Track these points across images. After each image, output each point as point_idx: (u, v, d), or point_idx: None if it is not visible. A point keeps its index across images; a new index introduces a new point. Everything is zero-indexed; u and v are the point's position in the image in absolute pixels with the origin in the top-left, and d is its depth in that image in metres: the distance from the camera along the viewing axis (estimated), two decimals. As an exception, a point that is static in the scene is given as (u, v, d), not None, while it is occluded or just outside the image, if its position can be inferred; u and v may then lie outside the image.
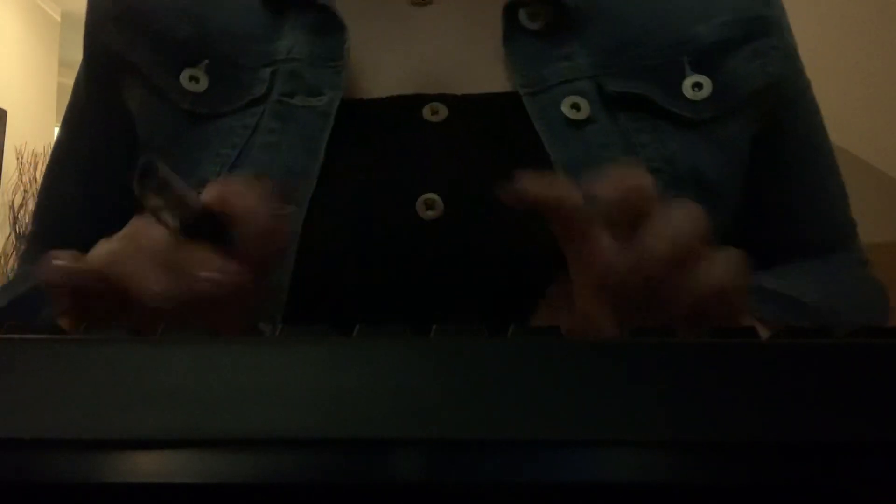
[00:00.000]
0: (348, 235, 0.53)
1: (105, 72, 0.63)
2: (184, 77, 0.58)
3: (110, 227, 0.55)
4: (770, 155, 0.62)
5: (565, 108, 0.55)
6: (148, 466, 0.20)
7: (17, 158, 5.25)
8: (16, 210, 5.16)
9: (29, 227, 0.71)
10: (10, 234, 5.18)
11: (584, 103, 0.56)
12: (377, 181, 0.54)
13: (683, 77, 0.58)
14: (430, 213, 0.53)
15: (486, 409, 0.21)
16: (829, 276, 0.63)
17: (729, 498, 0.22)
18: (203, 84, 0.58)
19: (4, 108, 5.16)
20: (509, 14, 0.58)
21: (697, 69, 0.58)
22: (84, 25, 0.66)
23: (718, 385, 0.22)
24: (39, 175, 5.44)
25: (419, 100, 0.57)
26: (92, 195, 0.65)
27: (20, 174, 5.23)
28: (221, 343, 0.21)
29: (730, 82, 0.59)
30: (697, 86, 0.58)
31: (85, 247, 0.40)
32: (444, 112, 0.56)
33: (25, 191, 5.21)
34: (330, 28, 0.58)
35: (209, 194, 0.40)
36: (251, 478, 0.20)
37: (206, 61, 0.59)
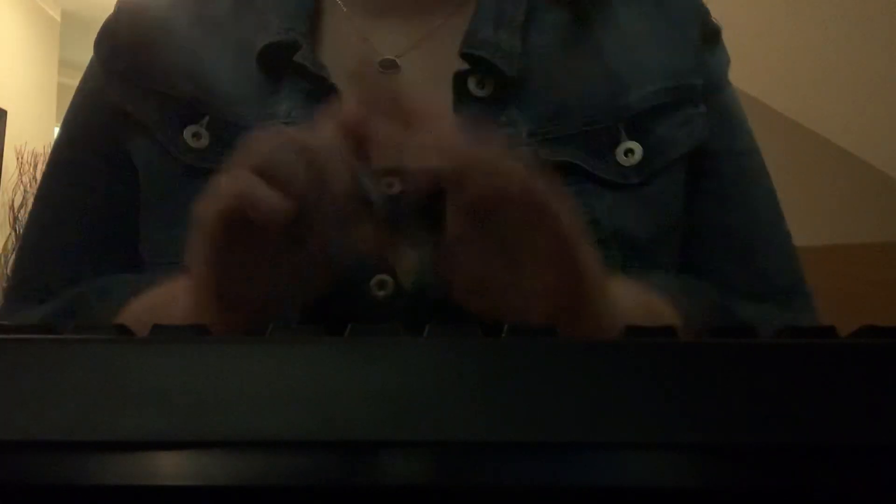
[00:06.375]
0: None
1: (111, 128, 0.66)
2: (187, 133, 0.61)
3: (112, 270, 0.62)
4: (693, 202, 0.65)
5: None
6: (136, 468, 0.20)
7: (17, 158, 5.26)
8: (16, 210, 5.17)
9: (11, 276, 0.70)
10: (10, 234, 5.18)
11: None
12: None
13: (618, 143, 0.61)
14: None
15: (480, 411, 0.21)
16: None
17: (729, 500, 0.22)
18: (205, 140, 0.61)
19: (4, 108, 5.17)
20: (459, 81, 0.61)
21: (630, 135, 0.61)
22: (83, 81, 0.69)
23: (718, 385, 0.21)
24: (39, 175, 5.45)
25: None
26: (99, 246, 0.66)
27: (20, 174, 5.24)
28: (211, 343, 0.21)
29: (659, 147, 0.62)
30: (629, 152, 0.61)
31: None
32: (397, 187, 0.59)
33: (25, 191, 5.21)
34: (325, 94, 0.60)
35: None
36: (241, 480, 0.19)
37: (207, 118, 0.61)
